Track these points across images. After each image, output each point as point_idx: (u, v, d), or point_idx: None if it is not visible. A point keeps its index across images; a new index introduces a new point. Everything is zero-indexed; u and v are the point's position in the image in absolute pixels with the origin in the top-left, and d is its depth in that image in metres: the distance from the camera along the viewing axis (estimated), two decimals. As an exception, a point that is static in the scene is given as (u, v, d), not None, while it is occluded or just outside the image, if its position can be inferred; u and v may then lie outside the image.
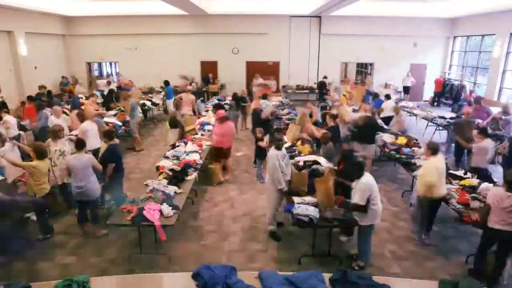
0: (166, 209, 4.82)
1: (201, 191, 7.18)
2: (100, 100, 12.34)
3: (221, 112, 8.25)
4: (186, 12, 15.46)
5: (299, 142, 7.31)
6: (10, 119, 8.17)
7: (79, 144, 5.49)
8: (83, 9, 16.04)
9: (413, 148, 7.45)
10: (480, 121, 8.57)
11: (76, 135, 7.03)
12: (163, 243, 5.20)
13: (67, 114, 9.56)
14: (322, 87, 15.32)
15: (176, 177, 5.98)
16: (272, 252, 5.12)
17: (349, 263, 4.80)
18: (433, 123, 10.81)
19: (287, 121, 9.61)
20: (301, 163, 5.95)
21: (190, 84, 15.38)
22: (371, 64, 18.24)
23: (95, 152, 6.52)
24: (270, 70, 17.54)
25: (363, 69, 20.50)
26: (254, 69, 17.47)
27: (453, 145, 8.76)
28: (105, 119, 9.29)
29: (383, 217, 6.17)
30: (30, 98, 9.87)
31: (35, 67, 14.56)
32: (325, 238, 5.02)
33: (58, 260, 4.91)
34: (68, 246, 5.24)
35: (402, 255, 5.09)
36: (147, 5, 15.51)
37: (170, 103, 12.82)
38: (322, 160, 6.01)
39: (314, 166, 5.73)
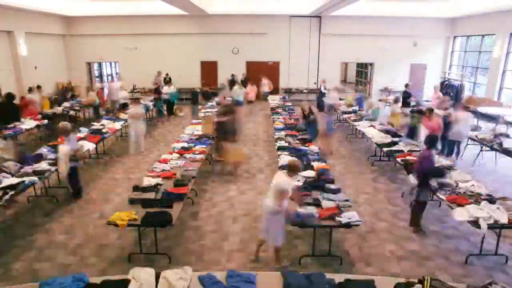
0: None
1: (201, 191, 7.19)
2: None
3: None
4: (186, 12, 15.46)
5: None
6: None
7: None
8: (83, 9, 16.05)
9: None
10: None
11: None
12: (163, 243, 5.21)
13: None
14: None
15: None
16: (272, 252, 5.11)
17: (349, 263, 4.80)
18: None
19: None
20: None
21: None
22: (371, 64, 18.23)
23: None
24: (270, 70, 17.56)
25: (363, 69, 20.51)
26: (254, 69, 17.48)
27: None
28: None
29: (383, 217, 6.19)
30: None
31: (35, 67, 14.56)
32: (325, 238, 5.02)
33: (58, 260, 4.91)
34: (68, 246, 5.25)
35: (402, 255, 5.09)
36: (147, 5, 15.51)
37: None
38: None
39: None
